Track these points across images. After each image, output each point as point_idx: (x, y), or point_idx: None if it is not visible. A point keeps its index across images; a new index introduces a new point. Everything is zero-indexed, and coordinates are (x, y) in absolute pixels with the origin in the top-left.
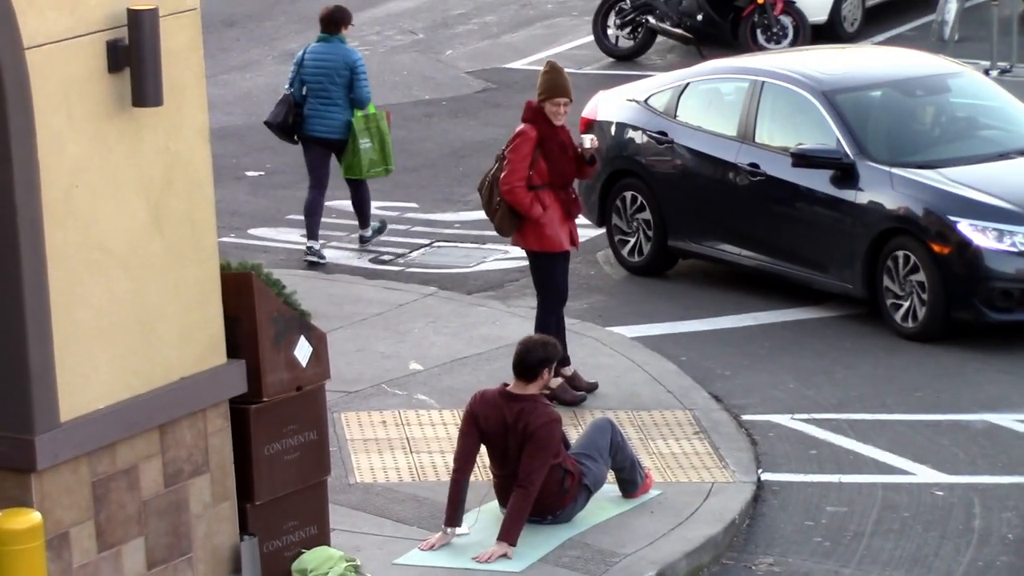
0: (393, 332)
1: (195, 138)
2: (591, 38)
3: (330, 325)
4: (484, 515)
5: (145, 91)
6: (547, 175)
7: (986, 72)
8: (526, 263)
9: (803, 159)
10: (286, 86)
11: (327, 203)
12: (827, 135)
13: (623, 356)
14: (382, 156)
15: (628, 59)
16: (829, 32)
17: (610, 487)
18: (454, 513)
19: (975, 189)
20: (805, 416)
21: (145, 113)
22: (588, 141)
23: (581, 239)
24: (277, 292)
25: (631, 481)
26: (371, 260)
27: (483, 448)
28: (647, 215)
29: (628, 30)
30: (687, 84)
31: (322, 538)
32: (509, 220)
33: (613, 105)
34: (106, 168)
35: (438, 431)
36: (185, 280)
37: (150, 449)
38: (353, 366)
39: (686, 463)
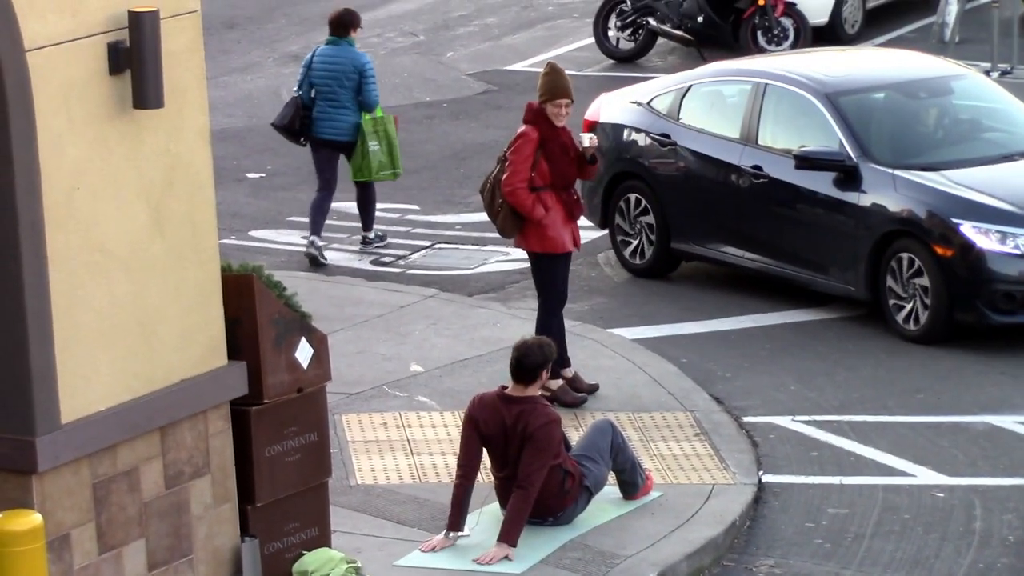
0: (394, 334)
1: (196, 140)
2: (592, 40)
3: (331, 327)
4: (485, 517)
5: (146, 93)
6: (549, 176)
7: (987, 74)
8: (527, 265)
9: (806, 161)
10: (295, 88)
11: (333, 205)
12: (830, 137)
13: (624, 358)
14: (390, 159)
15: (629, 61)
16: (830, 34)
17: (611, 489)
18: (457, 518)
19: (978, 191)
20: (806, 418)
21: (146, 115)
22: (587, 140)
23: (582, 241)
24: (278, 294)
25: (632, 483)
26: (372, 262)
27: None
28: (650, 218)
29: (629, 32)
30: (690, 86)
31: (323, 540)
32: (511, 222)
33: (616, 107)
34: (107, 170)
35: (439, 433)
36: (186, 282)
37: (151, 451)
38: (354, 368)
39: (687, 465)
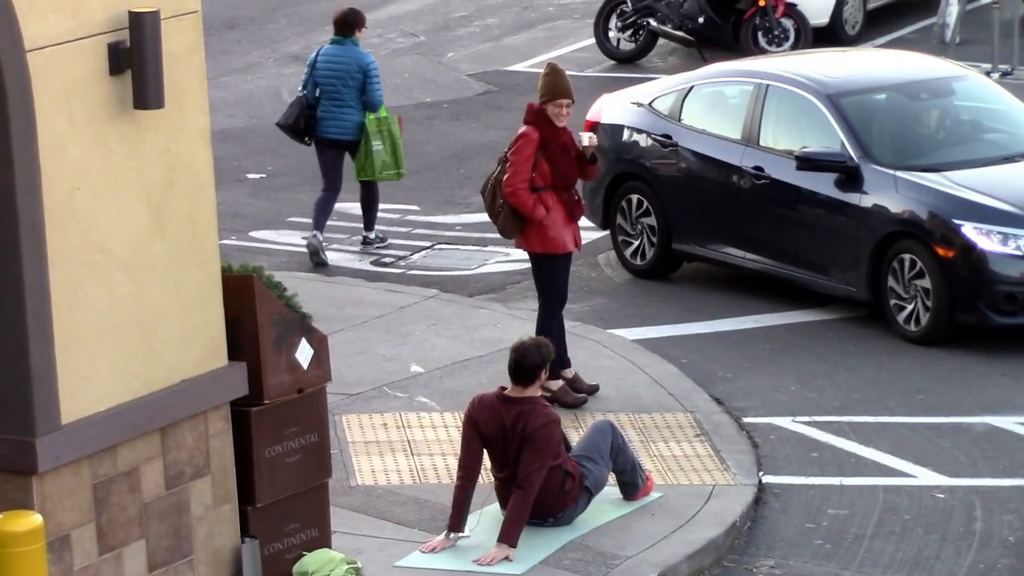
0: (394, 334)
1: (196, 140)
2: (592, 40)
3: (331, 327)
4: (485, 518)
5: (146, 93)
6: (550, 177)
7: (987, 75)
8: (527, 266)
9: (807, 162)
10: (299, 88)
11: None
12: (831, 138)
13: (624, 358)
14: (394, 159)
15: (629, 62)
16: (830, 34)
17: (611, 489)
18: (458, 518)
19: (979, 192)
20: (806, 419)
21: (146, 115)
22: (587, 140)
23: (582, 242)
24: (278, 294)
25: (632, 483)
26: (372, 262)
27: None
28: (651, 219)
29: (629, 33)
30: (691, 87)
31: (323, 540)
32: (512, 222)
33: (617, 108)
34: (107, 170)
35: (439, 433)
36: (186, 282)
37: (151, 451)
38: (354, 368)
39: (687, 465)
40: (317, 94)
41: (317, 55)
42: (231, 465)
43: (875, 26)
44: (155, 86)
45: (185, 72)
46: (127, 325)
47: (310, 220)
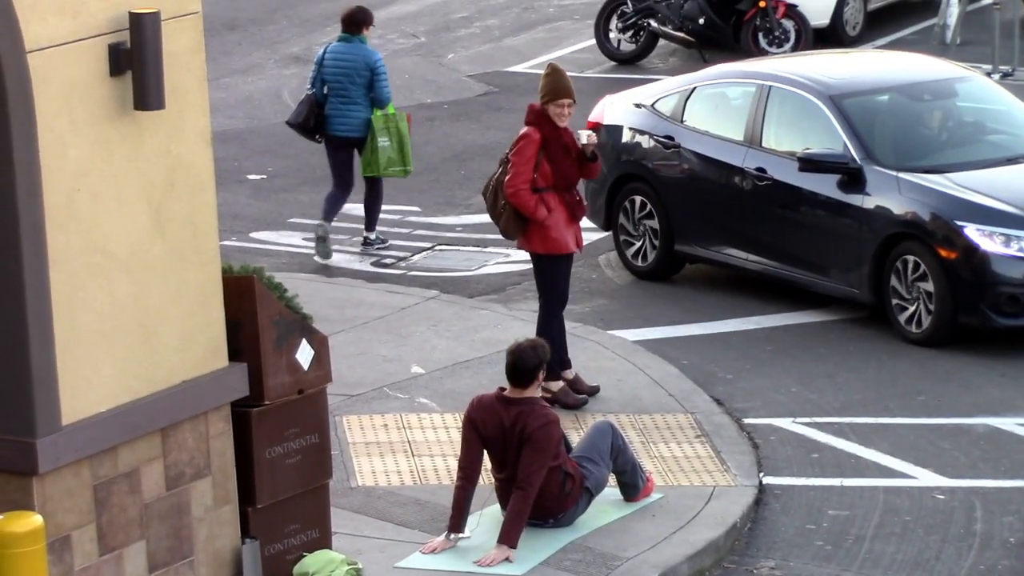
0: (395, 335)
1: (197, 141)
2: (593, 42)
3: (332, 328)
4: (486, 519)
5: (147, 94)
6: (551, 177)
7: (988, 76)
8: (527, 267)
9: (810, 164)
10: (307, 86)
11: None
12: (834, 139)
13: (625, 359)
14: (401, 156)
15: (630, 63)
16: (831, 36)
17: (611, 490)
18: (459, 520)
19: (982, 194)
20: (807, 420)
21: (147, 116)
22: (585, 137)
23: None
24: (279, 295)
25: (632, 484)
26: (373, 264)
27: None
28: (653, 221)
29: (630, 34)
30: (694, 88)
31: (324, 541)
32: (514, 223)
33: (619, 109)
34: (108, 172)
35: (440, 434)
36: (187, 283)
37: (152, 452)
38: (355, 369)
39: (688, 467)
40: (325, 91)
41: (325, 53)
42: (232, 466)
43: (876, 27)
44: (155, 87)
45: (185, 73)
46: (128, 326)
47: (311, 221)
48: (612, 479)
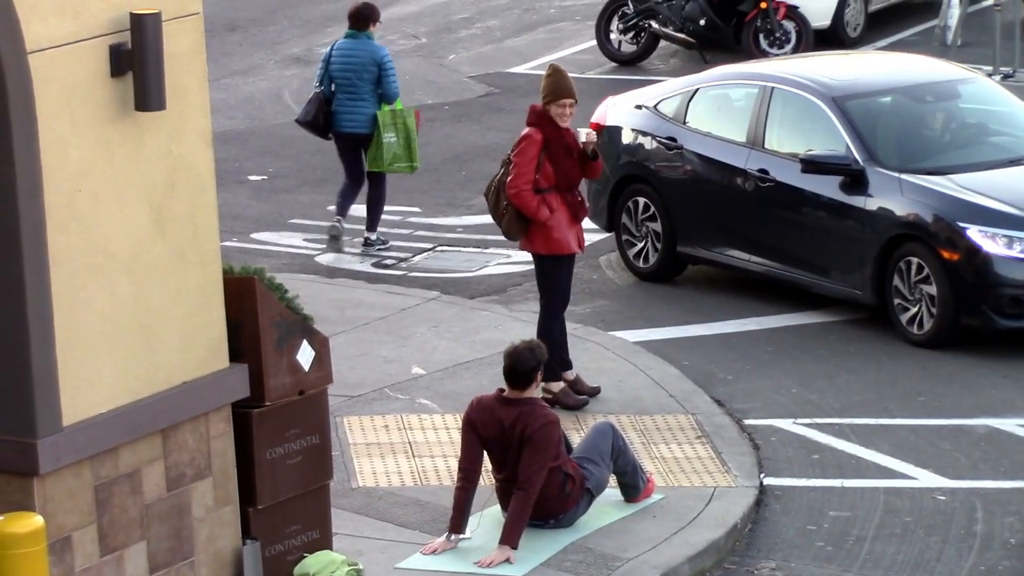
0: (395, 336)
1: (197, 142)
2: (594, 43)
3: (332, 329)
4: (486, 519)
5: (148, 95)
6: (553, 178)
7: (988, 77)
8: (528, 267)
9: (812, 165)
10: (315, 83)
11: (334, 207)
12: (837, 141)
13: (625, 360)
14: (407, 152)
15: (631, 64)
16: (832, 37)
17: (612, 491)
18: (459, 520)
19: (985, 195)
20: (807, 420)
21: (148, 117)
22: (584, 135)
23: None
24: (280, 296)
25: (633, 485)
26: (374, 264)
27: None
28: (656, 223)
29: (631, 35)
30: (696, 90)
31: (324, 542)
32: (516, 224)
33: (622, 111)
34: (109, 172)
35: (440, 435)
36: (187, 284)
37: (152, 453)
38: (355, 370)
39: (688, 467)
40: (332, 88)
41: (332, 50)
42: (232, 467)
43: (876, 28)
44: (156, 88)
45: (186, 74)
46: (128, 327)
47: (311, 222)
48: (613, 480)
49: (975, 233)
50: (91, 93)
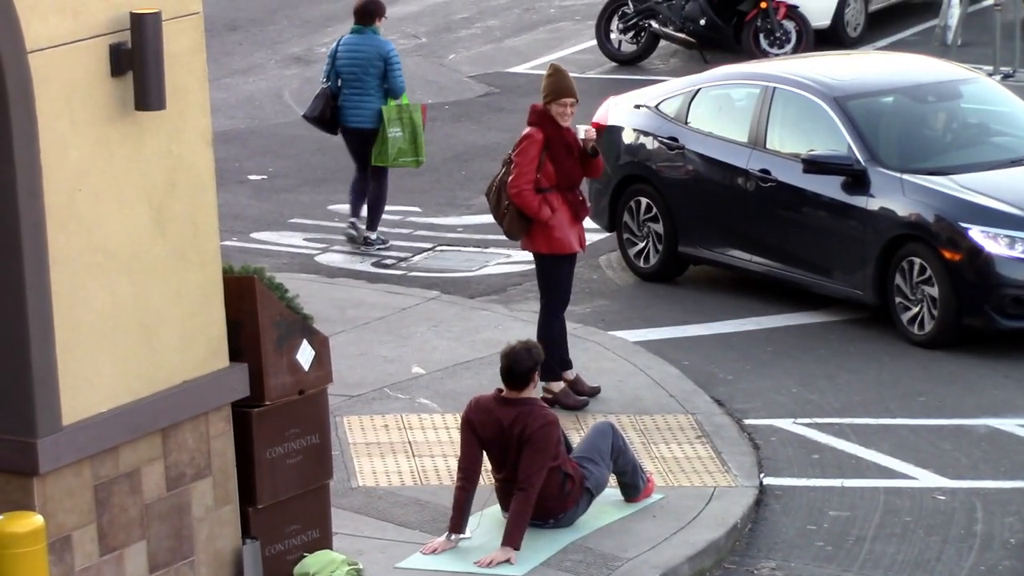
0: (395, 336)
1: (198, 142)
2: (594, 42)
3: (332, 329)
4: (486, 519)
5: (148, 95)
6: (554, 177)
7: (988, 76)
8: (528, 267)
9: (814, 165)
10: (322, 79)
11: (335, 207)
12: (838, 141)
13: (625, 360)
14: (413, 147)
15: (631, 63)
16: (832, 36)
17: (612, 491)
18: (459, 520)
19: (987, 196)
20: (808, 420)
21: (148, 117)
22: (583, 132)
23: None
24: (279, 296)
25: (633, 485)
26: (374, 264)
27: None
28: (658, 224)
29: (631, 35)
30: (698, 90)
31: (324, 542)
32: (518, 223)
33: (623, 110)
34: (109, 172)
35: (440, 435)
36: (187, 284)
37: (152, 452)
38: (355, 370)
39: (688, 467)
40: (339, 84)
41: (338, 45)
42: (232, 466)
43: (877, 28)
44: (156, 87)
45: (186, 73)
46: (128, 326)
47: (311, 222)
48: (613, 480)
49: (977, 233)
50: (91, 93)
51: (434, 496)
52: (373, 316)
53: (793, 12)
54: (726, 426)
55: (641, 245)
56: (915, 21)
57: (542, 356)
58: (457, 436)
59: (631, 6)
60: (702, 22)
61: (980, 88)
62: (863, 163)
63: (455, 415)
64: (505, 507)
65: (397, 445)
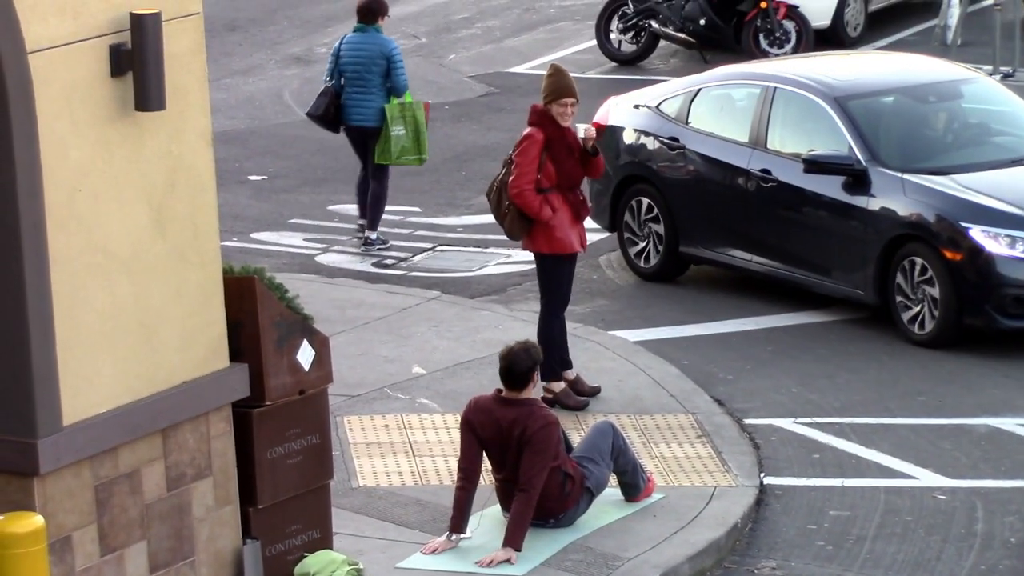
0: (396, 336)
1: (198, 142)
2: (594, 42)
3: (333, 329)
4: (486, 519)
5: (148, 95)
6: (555, 177)
7: (988, 76)
8: (529, 267)
9: (815, 165)
10: (325, 78)
11: (335, 207)
12: (839, 141)
13: (626, 360)
14: (416, 145)
15: (631, 63)
16: (832, 36)
17: (612, 491)
18: (459, 520)
19: (987, 195)
20: (808, 420)
21: (148, 117)
22: (583, 131)
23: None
24: (280, 296)
25: (633, 485)
26: (374, 264)
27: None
28: (659, 225)
29: (631, 35)
30: (699, 90)
31: (325, 542)
32: (519, 224)
33: (624, 110)
34: (109, 172)
35: (440, 435)
36: (187, 284)
37: (153, 453)
38: (356, 370)
39: (688, 467)
40: (342, 82)
41: (341, 44)
42: (233, 466)
43: (876, 28)
44: (156, 88)
45: (186, 74)
46: (128, 326)
47: (311, 222)
48: (613, 479)
49: (978, 233)
50: (91, 93)
51: (434, 496)
52: (373, 316)
53: (793, 12)
54: (726, 426)
55: (642, 245)
56: (915, 21)
57: (541, 356)
58: (457, 436)
59: (631, 6)
60: (702, 22)
61: (981, 88)
62: (864, 163)
63: (455, 415)
64: (505, 507)
65: (397, 445)
